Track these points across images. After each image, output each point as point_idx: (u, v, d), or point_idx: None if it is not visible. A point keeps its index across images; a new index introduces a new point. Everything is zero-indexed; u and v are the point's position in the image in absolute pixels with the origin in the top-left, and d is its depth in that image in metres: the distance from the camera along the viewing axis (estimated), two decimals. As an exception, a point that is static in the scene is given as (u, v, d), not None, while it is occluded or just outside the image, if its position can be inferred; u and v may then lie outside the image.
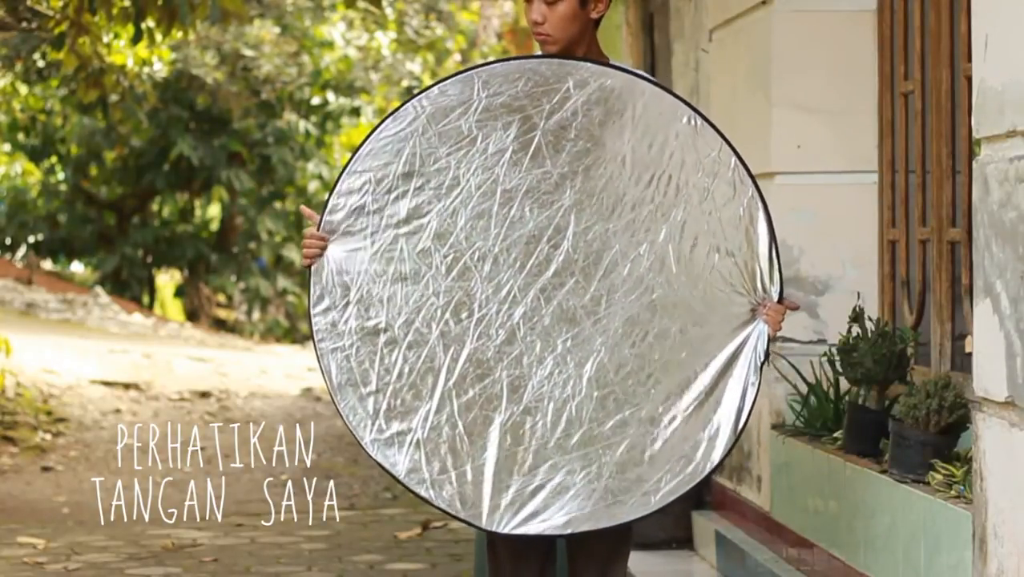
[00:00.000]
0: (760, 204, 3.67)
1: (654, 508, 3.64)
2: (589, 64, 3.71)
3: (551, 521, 3.63)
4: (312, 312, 3.72)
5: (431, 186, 3.71)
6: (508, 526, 3.63)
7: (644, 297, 3.67)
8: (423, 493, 3.65)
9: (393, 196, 3.71)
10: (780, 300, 3.69)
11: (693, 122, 3.69)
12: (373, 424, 3.67)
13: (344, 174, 3.73)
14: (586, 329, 3.67)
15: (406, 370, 3.68)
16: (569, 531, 3.64)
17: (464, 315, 3.68)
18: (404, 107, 3.72)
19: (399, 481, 3.67)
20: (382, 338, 3.69)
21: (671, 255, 3.67)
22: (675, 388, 3.66)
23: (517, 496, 3.63)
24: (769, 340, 3.67)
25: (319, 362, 3.71)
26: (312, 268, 3.73)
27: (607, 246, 3.68)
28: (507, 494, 3.63)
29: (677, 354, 3.67)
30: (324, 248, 3.72)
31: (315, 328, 3.71)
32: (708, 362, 3.66)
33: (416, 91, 3.76)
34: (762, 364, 3.66)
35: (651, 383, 3.66)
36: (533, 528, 3.63)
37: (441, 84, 3.72)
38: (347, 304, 3.70)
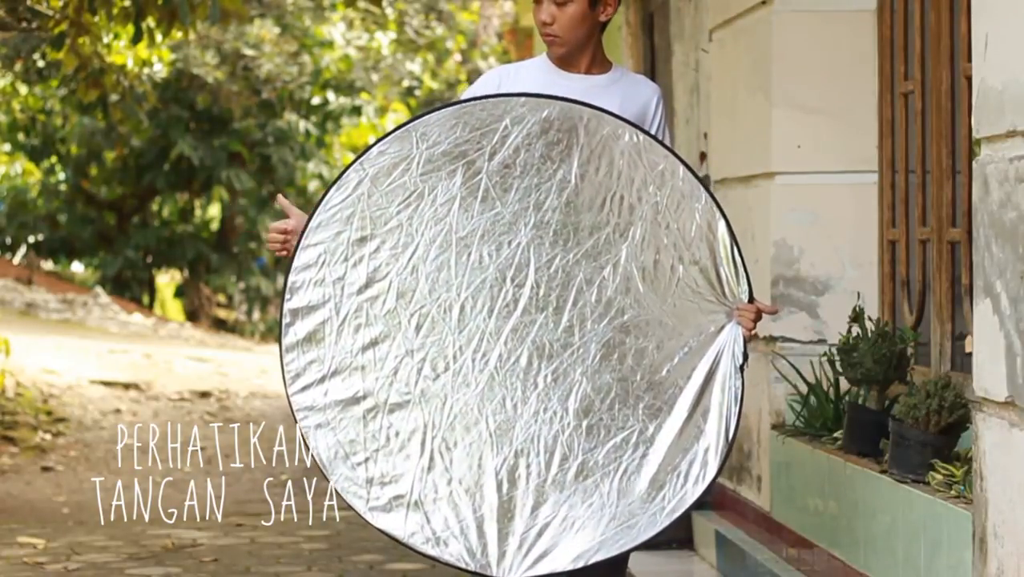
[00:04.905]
0: (716, 209, 3.66)
1: (661, 527, 3.64)
2: (523, 98, 3.68)
3: (561, 558, 3.61)
4: (289, 392, 3.69)
5: (387, 247, 3.68)
6: (519, 571, 3.60)
7: (616, 320, 3.66)
8: (430, 551, 3.62)
9: (351, 264, 3.68)
10: (750, 300, 3.68)
11: (636, 138, 3.67)
12: (368, 493, 3.65)
13: (298, 250, 3.70)
14: (564, 362, 3.65)
15: (392, 434, 3.65)
16: (581, 564, 3.61)
17: (441, 369, 3.66)
18: (346, 174, 3.69)
19: (404, 544, 3.64)
20: (363, 406, 3.66)
21: (636, 274, 3.66)
22: (662, 405, 3.65)
23: (523, 539, 3.61)
24: (746, 341, 3.66)
25: (305, 441, 3.68)
26: (282, 346, 3.70)
27: (571, 276, 3.66)
28: (513, 539, 3.61)
29: (658, 371, 3.65)
30: (286, 241, 3.73)
31: (295, 408, 3.68)
32: (690, 374, 3.65)
33: (355, 157, 3.73)
34: (741, 366, 3.65)
35: (637, 404, 3.64)
36: (544, 568, 3.61)
37: (379, 144, 3.69)
38: (323, 379, 3.67)
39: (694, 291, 3.66)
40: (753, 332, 3.68)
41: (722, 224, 3.65)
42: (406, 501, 3.64)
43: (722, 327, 3.66)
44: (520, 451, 3.63)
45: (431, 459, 3.64)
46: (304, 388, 3.69)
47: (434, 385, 3.66)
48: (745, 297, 3.66)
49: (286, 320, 3.71)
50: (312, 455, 3.69)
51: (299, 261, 3.71)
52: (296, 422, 3.69)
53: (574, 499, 3.62)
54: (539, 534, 3.62)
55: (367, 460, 3.66)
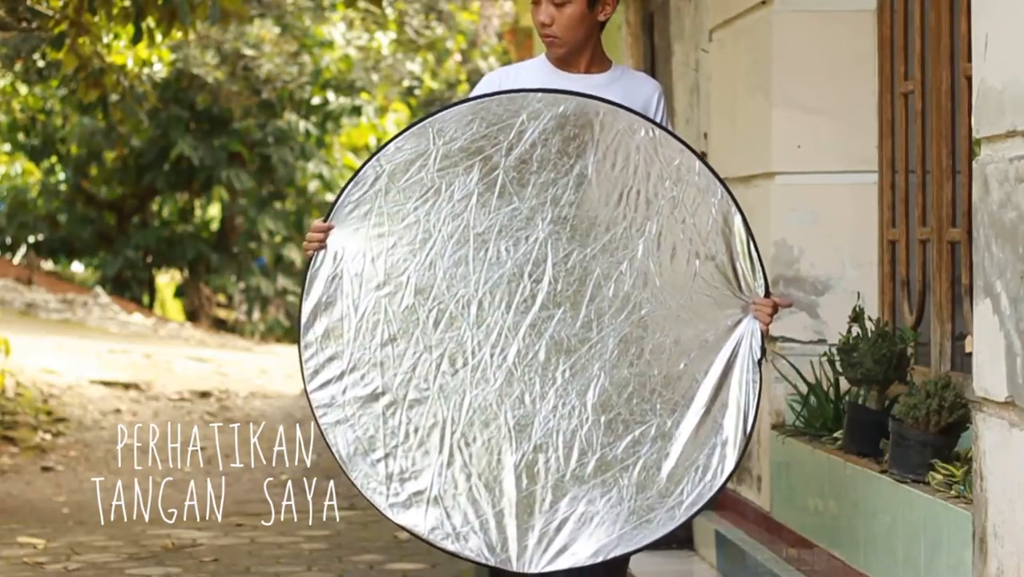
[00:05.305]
0: (732, 203, 3.67)
1: (680, 521, 3.65)
2: (540, 94, 3.70)
3: (581, 553, 3.63)
4: (308, 389, 3.71)
5: (404, 243, 3.70)
6: (539, 565, 3.63)
7: (633, 315, 3.67)
8: (450, 547, 3.65)
9: (368, 260, 3.70)
10: (767, 294, 3.68)
11: (651, 133, 3.68)
12: (388, 489, 3.67)
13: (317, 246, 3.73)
14: (582, 357, 3.66)
15: (411, 429, 3.67)
16: (600, 558, 3.62)
17: (459, 364, 3.67)
18: (363, 170, 3.70)
19: (424, 540, 3.67)
20: (382, 402, 3.68)
21: (652, 269, 3.67)
22: (680, 399, 3.66)
23: (543, 534, 3.63)
24: (763, 335, 3.67)
25: (324, 437, 3.70)
26: (301, 343, 3.72)
27: (588, 271, 3.67)
28: (532, 534, 3.63)
29: (676, 365, 3.66)
30: (326, 238, 3.71)
31: (314, 404, 3.70)
32: (708, 368, 3.66)
33: (372, 153, 3.75)
34: (759, 360, 3.66)
35: (655, 399, 3.66)
36: (564, 562, 3.63)
37: (396, 140, 3.71)
38: (342, 375, 3.69)
39: (711, 285, 3.67)
40: (769, 326, 3.69)
41: (738, 218, 3.66)
42: (426, 497, 3.66)
43: (739, 321, 3.67)
44: (539, 446, 3.65)
45: (450, 455, 3.66)
46: (323, 385, 3.71)
47: (453, 381, 3.68)
48: (761, 291, 3.67)
49: (304, 317, 3.72)
50: (333, 452, 3.70)
51: (317, 258, 3.72)
52: (315, 419, 3.70)
53: (593, 493, 3.64)
54: (558, 529, 3.63)
55: (387, 456, 3.68)
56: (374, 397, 3.69)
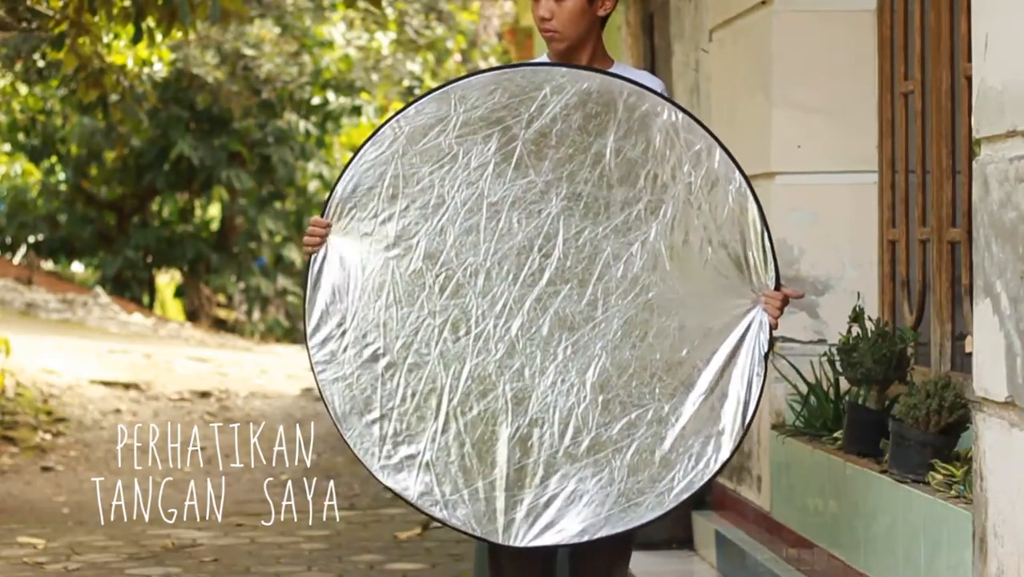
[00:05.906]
0: (749, 193, 3.66)
1: (669, 507, 3.64)
2: (564, 69, 3.70)
3: (567, 530, 3.62)
4: (309, 343, 3.71)
5: (417, 206, 3.70)
6: (525, 539, 3.62)
7: (640, 297, 3.66)
8: (437, 514, 3.64)
9: (380, 220, 3.71)
10: (777, 287, 3.67)
11: (675, 117, 3.67)
12: (381, 450, 3.67)
13: (328, 204, 3.73)
14: (585, 335, 3.66)
15: (409, 393, 3.67)
16: (586, 538, 3.62)
17: (462, 332, 3.67)
18: (382, 130, 3.71)
19: (412, 505, 3.66)
20: (382, 363, 3.68)
21: (664, 252, 3.66)
22: (680, 386, 3.65)
23: (531, 509, 3.63)
24: (771, 328, 3.65)
25: (321, 394, 3.70)
26: (306, 299, 3.72)
27: (599, 249, 3.67)
28: (521, 507, 3.63)
29: (678, 351, 3.65)
30: (326, 236, 3.71)
31: (314, 360, 3.70)
32: (710, 357, 3.65)
33: (392, 114, 3.75)
34: (766, 354, 3.64)
35: (655, 383, 3.65)
36: (549, 539, 3.62)
37: (417, 103, 3.71)
38: (344, 332, 3.69)
39: (721, 274, 3.66)
40: (778, 319, 3.67)
41: (754, 208, 3.65)
42: (418, 461, 3.65)
43: (746, 312, 3.66)
44: (534, 421, 3.65)
45: (446, 422, 3.66)
46: (324, 341, 3.71)
47: (454, 348, 3.67)
48: (772, 284, 3.66)
49: (313, 272, 3.72)
50: (328, 409, 3.70)
51: (329, 213, 3.72)
52: (313, 374, 3.71)
53: (584, 472, 3.63)
54: (547, 504, 3.63)
55: (382, 417, 3.67)
56: (374, 358, 3.69)
